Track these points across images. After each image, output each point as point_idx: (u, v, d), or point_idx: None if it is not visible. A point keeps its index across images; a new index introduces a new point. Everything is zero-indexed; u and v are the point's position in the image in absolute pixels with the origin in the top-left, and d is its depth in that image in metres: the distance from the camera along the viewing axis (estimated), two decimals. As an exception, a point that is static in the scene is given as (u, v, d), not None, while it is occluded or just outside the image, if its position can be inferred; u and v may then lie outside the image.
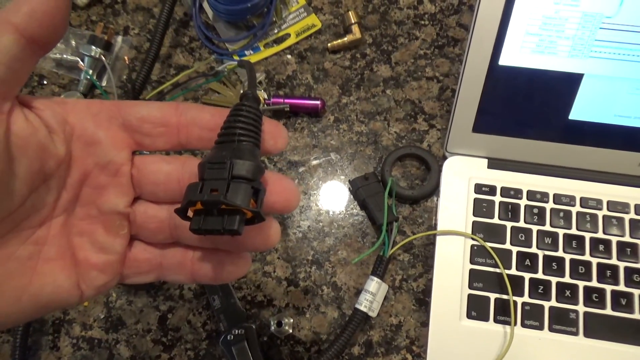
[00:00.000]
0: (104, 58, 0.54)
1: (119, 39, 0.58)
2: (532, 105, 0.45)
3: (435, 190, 0.49)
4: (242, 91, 0.52)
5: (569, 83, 0.43)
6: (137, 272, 0.27)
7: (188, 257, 0.27)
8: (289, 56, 0.56)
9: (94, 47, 0.54)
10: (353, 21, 0.54)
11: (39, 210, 0.24)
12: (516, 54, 0.43)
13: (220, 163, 0.23)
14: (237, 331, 0.43)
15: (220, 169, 0.23)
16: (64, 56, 0.56)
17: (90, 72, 0.55)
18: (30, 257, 0.24)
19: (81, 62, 0.55)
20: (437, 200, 0.48)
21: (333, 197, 0.50)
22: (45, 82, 0.56)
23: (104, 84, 0.56)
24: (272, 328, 0.44)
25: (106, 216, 0.26)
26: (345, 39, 0.54)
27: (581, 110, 0.44)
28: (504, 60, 0.43)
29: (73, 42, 0.57)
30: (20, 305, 0.23)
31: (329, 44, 0.55)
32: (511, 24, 0.42)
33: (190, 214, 0.24)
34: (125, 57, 0.56)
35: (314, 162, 0.51)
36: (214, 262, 0.27)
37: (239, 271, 0.27)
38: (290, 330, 0.44)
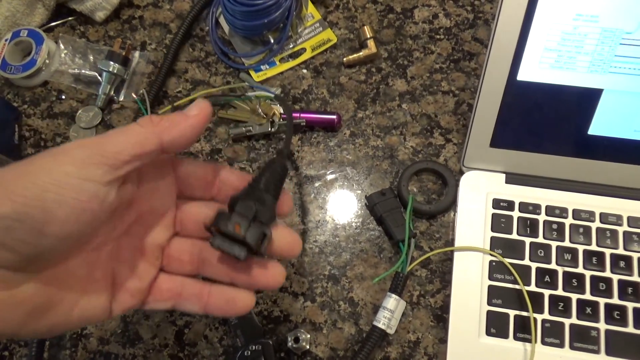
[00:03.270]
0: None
1: (136, 54, 0.58)
2: (551, 121, 0.45)
3: (452, 205, 0.48)
4: (258, 106, 0.52)
5: (588, 98, 0.43)
6: (157, 299, 0.31)
7: (205, 289, 0.31)
8: (304, 71, 0.56)
9: (112, 63, 0.55)
10: (368, 36, 0.54)
11: (97, 236, 0.28)
12: (535, 70, 0.43)
13: (249, 203, 0.29)
14: (254, 347, 0.43)
15: (248, 207, 0.29)
16: (82, 71, 0.57)
17: (109, 87, 0.55)
18: (84, 277, 0.28)
19: (99, 77, 0.56)
20: (454, 215, 0.48)
21: (349, 212, 0.50)
22: (63, 97, 0.56)
23: (121, 98, 0.56)
24: (290, 344, 0.44)
25: (147, 248, 0.31)
26: (361, 53, 0.55)
27: (600, 125, 0.44)
28: (522, 75, 0.43)
29: (91, 57, 0.58)
30: (70, 318, 0.27)
31: (344, 59, 0.55)
32: (529, 39, 0.41)
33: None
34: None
35: (330, 177, 0.51)
36: (226, 296, 0.31)
37: (245, 307, 0.31)
38: (307, 346, 0.44)
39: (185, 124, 0.28)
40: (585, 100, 0.43)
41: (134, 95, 0.53)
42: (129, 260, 0.30)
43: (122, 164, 0.26)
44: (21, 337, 0.32)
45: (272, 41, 0.56)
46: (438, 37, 0.56)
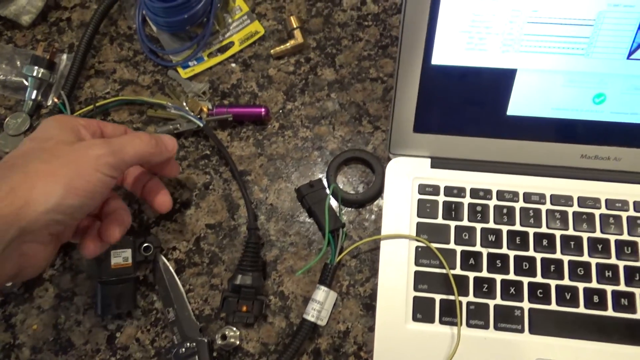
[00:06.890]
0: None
1: (64, 56, 0.57)
2: (470, 103, 0.45)
3: (379, 192, 0.48)
4: (185, 103, 0.51)
5: (503, 79, 0.43)
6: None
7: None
8: (233, 65, 0.55)
9: (36, 67, 0.54)
10: (295, 26, 0.54)
11: None
12: (448, 53, 0.42)
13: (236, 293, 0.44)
14: (189, 344, 0.43)
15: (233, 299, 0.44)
16: (9, 77, 0.55)
17: (35, 92, 0.54)
18: (59, 233, 0.37)
19: (25, 82, 0.55)
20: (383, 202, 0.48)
21: (279, 205, 0.49)
22: (-10, 105, 0.55)
23: (49, 102, 0.55)
24: (218, 342, 0.44)
25: None
26: (288, 44, 0.54)
27: (518, 105, 0.44)
28: (437, 59, 0.43)
29: (18, 63, 0.56)
30: (41, 266, 0.36)
31: (272, 50, 0.54)
32: (439, 23, 0.41)
33: None
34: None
35: (260, 171, 0.51)
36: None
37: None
38: (237, 342, 0.44)
39: (168, 154, 0.41)
40: (501, 81, 0.43)
41: (55, 100, 0.52)
42: None
43: (127, 167, 0.38)
44: None
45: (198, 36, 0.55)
46: (366, 23, 0.56)
